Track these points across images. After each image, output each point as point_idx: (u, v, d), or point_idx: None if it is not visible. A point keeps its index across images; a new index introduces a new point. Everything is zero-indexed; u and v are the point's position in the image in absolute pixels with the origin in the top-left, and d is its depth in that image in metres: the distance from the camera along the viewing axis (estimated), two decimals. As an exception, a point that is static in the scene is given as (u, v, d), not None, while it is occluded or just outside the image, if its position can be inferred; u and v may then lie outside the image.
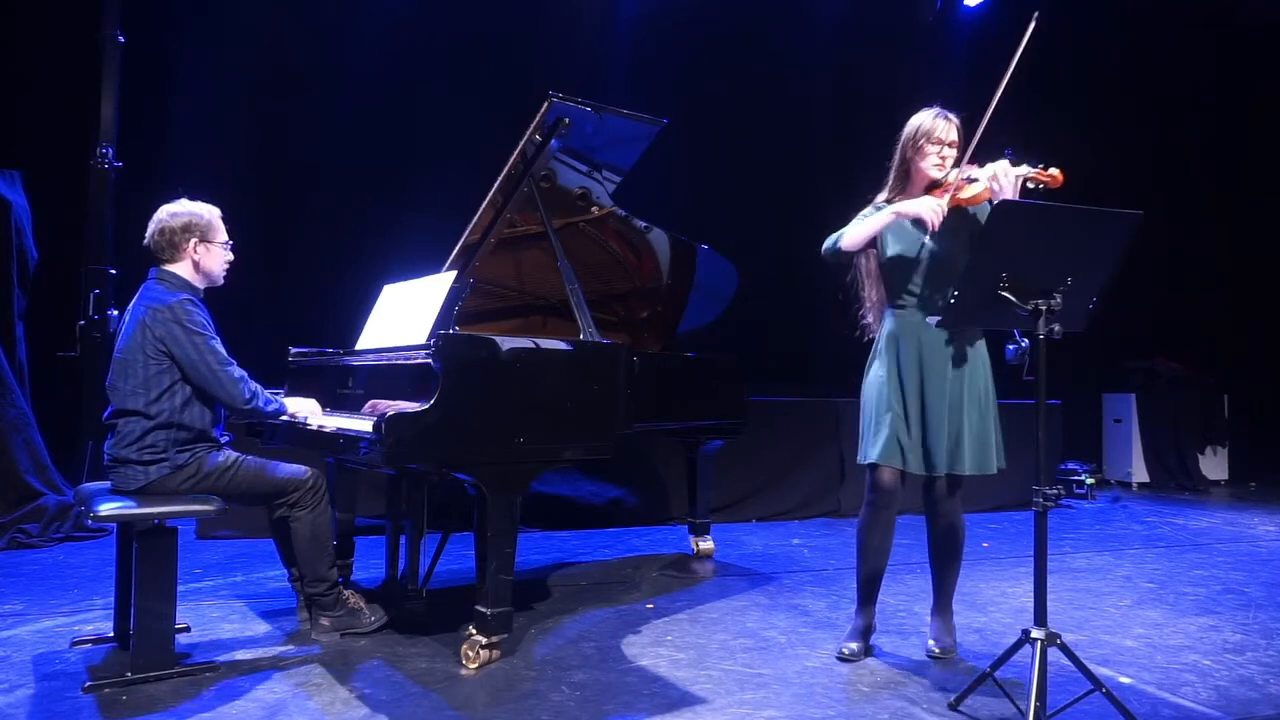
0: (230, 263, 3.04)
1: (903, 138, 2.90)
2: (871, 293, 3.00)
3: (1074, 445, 7.30)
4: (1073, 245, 2.36)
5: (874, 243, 2.92)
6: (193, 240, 2.91)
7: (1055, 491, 2.36)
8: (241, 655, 2.90)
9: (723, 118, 6.88)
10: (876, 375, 2.89)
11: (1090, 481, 6.94)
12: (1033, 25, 2.67)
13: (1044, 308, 2.36)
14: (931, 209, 2.69)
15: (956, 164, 2.82)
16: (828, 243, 2.92)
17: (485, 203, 3.37)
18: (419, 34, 6.21)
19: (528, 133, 3.26)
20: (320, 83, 5.99)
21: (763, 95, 7.11)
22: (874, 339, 2.98)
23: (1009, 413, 6.46)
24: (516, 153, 3.29)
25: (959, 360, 2.81)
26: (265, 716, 2.41)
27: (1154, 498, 7.13)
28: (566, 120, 3.25)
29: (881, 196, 2.97)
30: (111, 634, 2.97)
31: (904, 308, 2.87)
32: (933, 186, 2.85)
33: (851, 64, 7.28)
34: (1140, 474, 7.65)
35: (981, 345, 2.87)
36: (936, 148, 2.83)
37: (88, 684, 2.57)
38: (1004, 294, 2.36)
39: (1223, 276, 8.45)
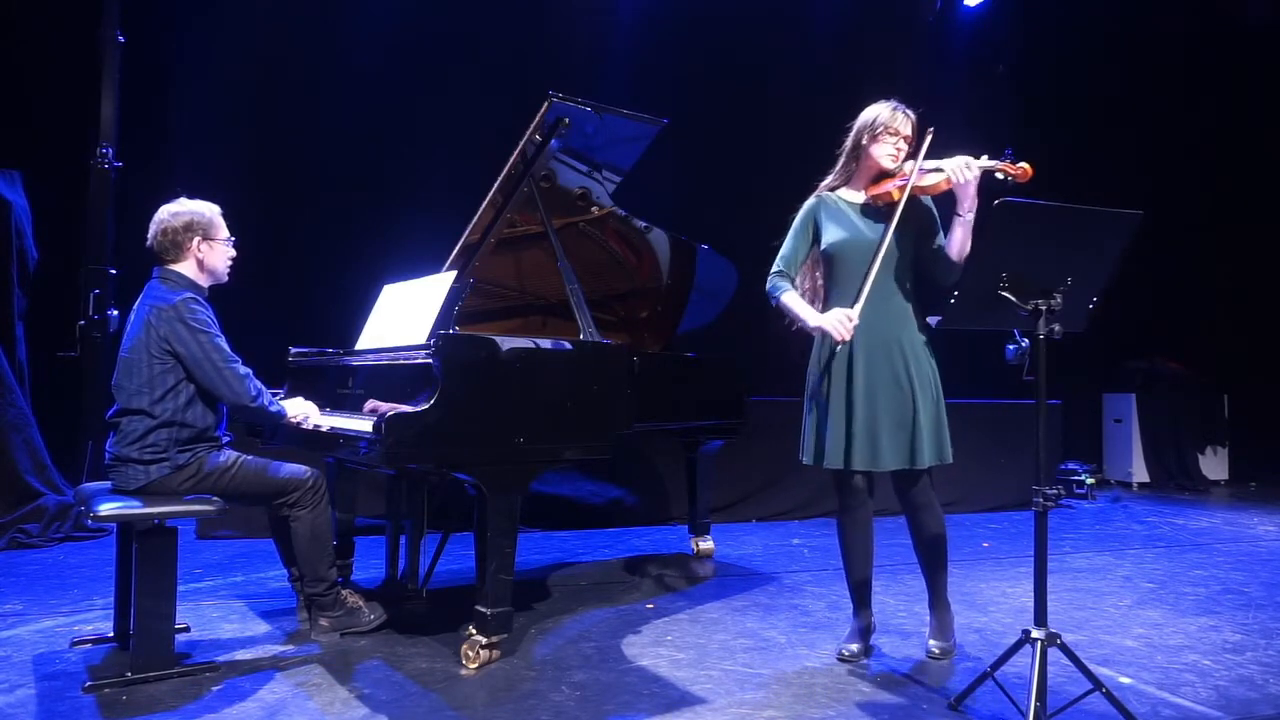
0: (234, 259, 3.04)
1: (858, 125, 2.90)
2: (806, 281, 2.98)
3: (1074, 445, 7.30)
4: (1073, 245, 2.36)
5: (816, 231, 2.92)
6: (196, 239, 2.91)
7: (1055, 491, 2.36)
8: (241, 655, 2.90)
9: (722, 117, 6.88)
10: (822, 371, 2.88)
11: (1090, 481, 6.94)
12: (929, 138, 2.77)
13: (1044, 308, 2.35)
14: (836, 323, 2.67)
15: (909, 159, 2.84)
16: (771, 285, 2.91)
17: (485, 203, 3.37)
18: (419, 34, 6.21)
19: (528, 133, 3.26)
20: (320, 83, 5.99)
21: (762, 95, 7.10)
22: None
23: (1008, 412, 6.47)
24: (516, 153, 3.29)
25: (906, 351, 2.79)
26: (265, 716, 2.41)
27: (1154, 498, 7.13)
28: (566, 120, 3.25)
29: (827, 182, 2.98)
30: (111, 634, 2.97)
31: (847, 299, 2.81)
32: (882, 176, 2.87)
33: (851, 64, 7.27)
34: (1140, 474, 7.65)
35: (927, 333, 2.85)
36: (894, 139, 2.84)
37: (88, 684, 2.57)
38: (1004, 294, 2.35)
39: (1223, 277, 8.45)
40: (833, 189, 2.97)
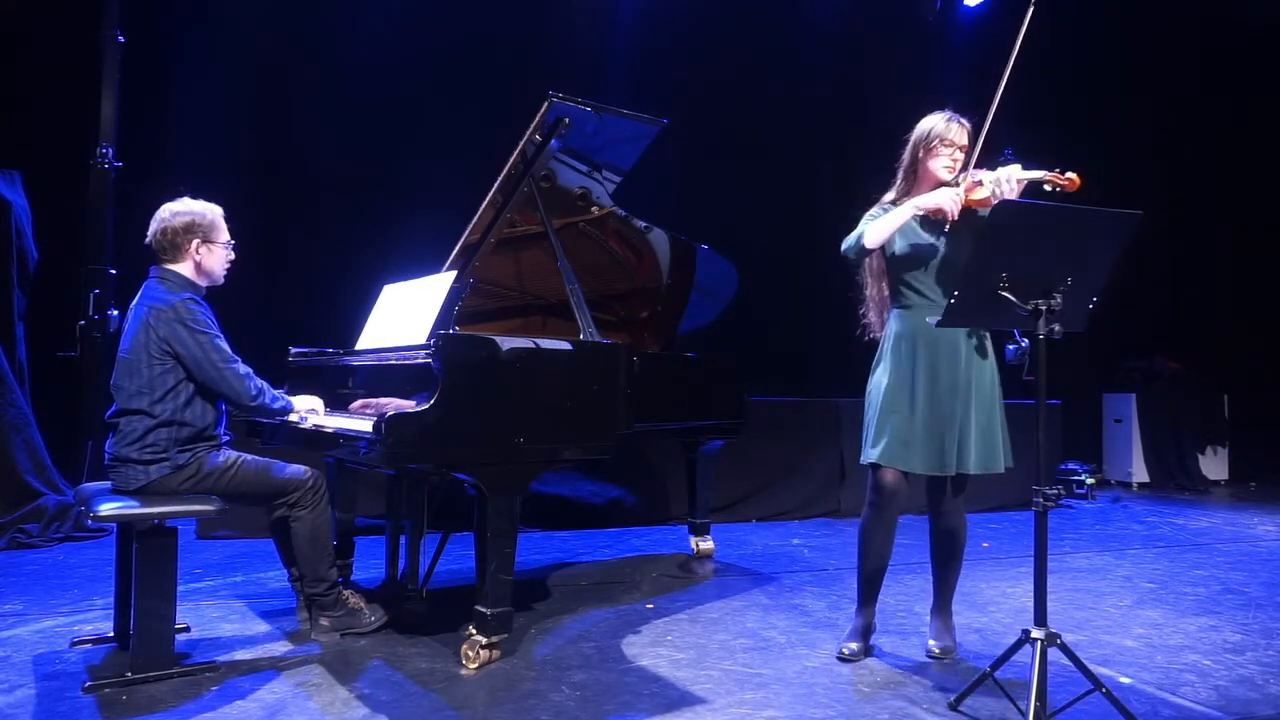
0: (232, 262, 3.04)
1: (914, 138, 2.90)
2: (874, 290, 2.99)
3: (1074, 445, 7.29)
4: (1073, 245, 2.36)
5: None
6: (195, 241, 2.89)
7: (1055, 491, 2.36)
8: (241, 655, 2.90)
9: (723, 118, 6.88)
10: (882, 376, 2.88)
11: (1090, 481, 6.94)
12: (1031, 10, 2.72)
13: (1044, 308, 2.35)
14: (951, 199, 2.69)
15: (964, 168, 2.83)
16: (848, 242, 2.86)
17: (485, 203, 3.37)
18: (419, 34, 6.21)
19: (528, 133, 3.26)
20: (320, 83, 5.99)
21: (762, 95, 7.10)
22: (878, 338, 2.98)
23: (1009, 412, 6.48)
24: (516, 153, 3.29)
25: (968, 360, 2.80)
26: (265, 716, 2.41)
27: (1154, 498, 7.13)
28: (566, 120, 3.25)
29: (888, 197, 2.97)
30: (111, 634, 2.97)
31: (911, 307, 2.86)
32: (941, 188, 2.85)
33: (852, 63, 7.28)
34: (1140, 474, 7.65)
35: (989, 344, 2.87)
36: (949, 150, 2.83)
37: (88, 684, 2.57)
38: (1004, 294, 2.35)
39: (1223, 276, 8.45)
40: (894, 202, 2.94)
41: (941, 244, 2.81)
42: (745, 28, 7.09)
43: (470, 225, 3.41)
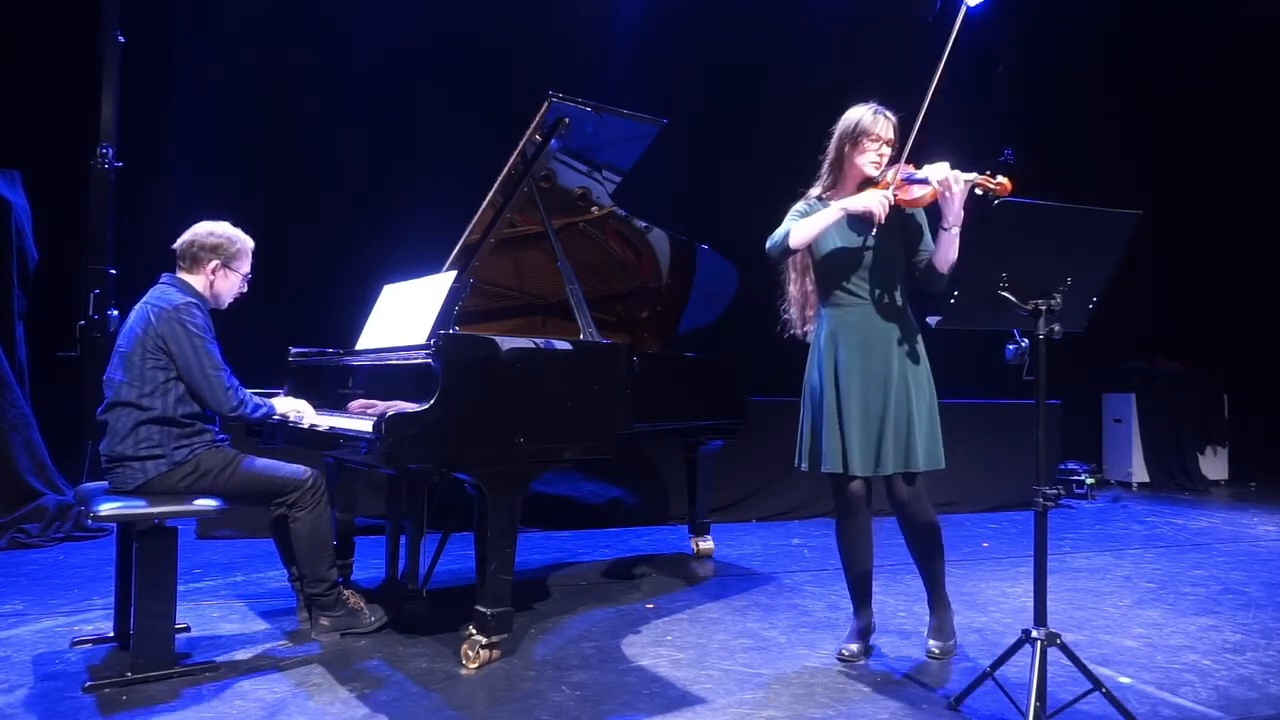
0: (243, 294, 3.13)
1: (839, 131, 2.86)
2: (797, 287, 2.96)
3: (1074, 445, 7.29)
4: (1073, 245, 2.36)
5: None
6: (216, 262, 3.01)
7: (1055, 491, 2.36)
8: (241, 655, 2.90)
9: (722, 117, 6.88)
10: (818, 377, 2.86)
11: (1090, 481, 6.94)
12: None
13: (1044, 308, 2.35)
14: (879, 202, 2.66)
15: (892, 163, 2.80)
16: (773, 240, 2.84)
17: (485, 203, 3.37)
18: (419, 34, 6.21)
19: (528, 133, 3.26)
20: (320, 83, 5.99)
21: (762, 95, 7.10)
22: (797, 335, 2.97)
23: (1008, 412, 6.49)
24: (516, 153, 3.29)
25: (902, 355, 2.79)
26: (265, 716, 2.41)
27: (1154, 498, 7.13)
28: (566, 120, 3.25)
29: (814, 191, 2.94)
30: (111, 634, 2.97)
31: (841, 305, 2.84)
32: (867, 184, 2.83)
33: (851, 64, 7.27)
34: (1140, 474, 7.65)
35: (921, 343, 2.85)
36: (875, 145, 2.80)
37: (88, 684, 2.58)
38: (1004, 294, 2.35)
39: (1222, 276, 8.45)
40: (820, 197, 2.93)
41: (872, 241, 2.77)
42: (745, 28, 7.08)
43: (470, 225, 3.41)
